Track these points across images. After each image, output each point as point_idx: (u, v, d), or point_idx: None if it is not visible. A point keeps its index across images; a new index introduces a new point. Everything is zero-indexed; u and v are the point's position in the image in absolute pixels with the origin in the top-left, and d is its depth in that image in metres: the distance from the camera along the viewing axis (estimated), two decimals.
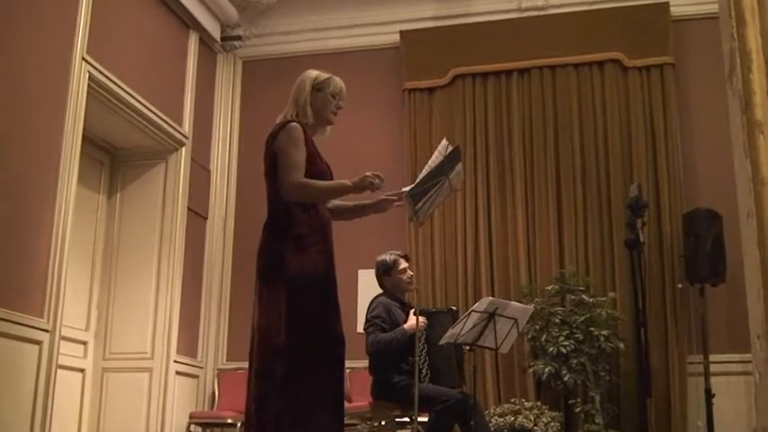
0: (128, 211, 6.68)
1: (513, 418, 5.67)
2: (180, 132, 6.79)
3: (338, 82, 3.59)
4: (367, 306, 4.92)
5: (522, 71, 7.02)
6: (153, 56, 6.52)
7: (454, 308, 5.18)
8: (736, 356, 6.00)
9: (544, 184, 6.71)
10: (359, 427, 5.16)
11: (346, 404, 3.69)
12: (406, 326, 4.66)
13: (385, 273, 4.94)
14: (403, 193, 3.64)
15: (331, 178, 3.51)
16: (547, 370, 5.83)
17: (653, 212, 6.40)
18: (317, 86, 3.54)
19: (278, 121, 3.52)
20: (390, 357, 4.65)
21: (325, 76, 3.58)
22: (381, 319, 4.71)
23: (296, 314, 3.25)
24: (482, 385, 6.32)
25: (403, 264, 4.93)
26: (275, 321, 3.25)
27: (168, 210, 6.67)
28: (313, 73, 3.59)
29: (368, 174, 3.31)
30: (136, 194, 6.73)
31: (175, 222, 6.63)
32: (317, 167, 3.43)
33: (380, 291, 5.00)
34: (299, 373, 3.20)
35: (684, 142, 6.64)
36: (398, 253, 4.99)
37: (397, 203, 3.64)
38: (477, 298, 6.14)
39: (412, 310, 4.75)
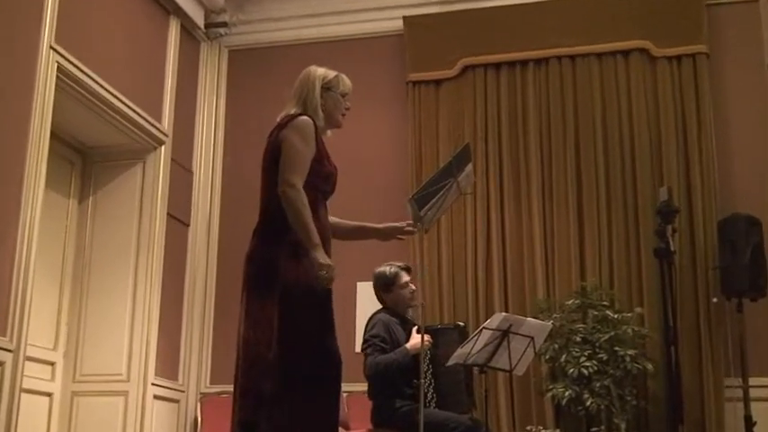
0: (101, 217, 6.67)
1: None
2: (159, 129, 6.78)
3: (347, 80, 3.69)
4: (365, 323, 4.90)
5: (538, 61, 7.01)
6: (129, 44, 6.52)
7: (461, 324, 5.14)
8: None
9: (563, 186, 6.70)
10: None
11: None
12: (408, 345, 4.64)
13: (384, 288, 4.93)
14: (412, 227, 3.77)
15: (335, 181, 3.59)
16: (567, 394, 5.81)
17: (685, 218, 6.38)
18: (326, 86, 3.62)
19: (278, 119, 3.56)
20: (392, 380, 4.64)
21: (333, 73, 3.66)
22: (380, 338, 4.69)
23: (290, 328, 3.25)
24: (495, 411, 6.30)
25: (405, 277, 4.92)
26: (266, 334, 3.25)
27: (146, 215, 6.65)
28: (319, 70, 3.65)
29: (326, 272, 3.26)
30: (110, 198, 6.72)
31: (154, 229, 6.62)
32: (325, 168, 3.51)
33: (380, 306, 4.99)
34: (291, 394, 3.20)
35: (720, 140, 6.61)
36: (399, 265, 4.96)
37: (401, 237, 3.81)
38: (489, 314, 6.13)
39: (415, 328, 4.74)
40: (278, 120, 3.57)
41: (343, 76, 3.67)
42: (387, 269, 4.93)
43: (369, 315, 4.98)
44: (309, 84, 3.59)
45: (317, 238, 3.28)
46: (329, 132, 3.69)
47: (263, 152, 3.55)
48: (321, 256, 3.25)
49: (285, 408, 3.20)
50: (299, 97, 3.59)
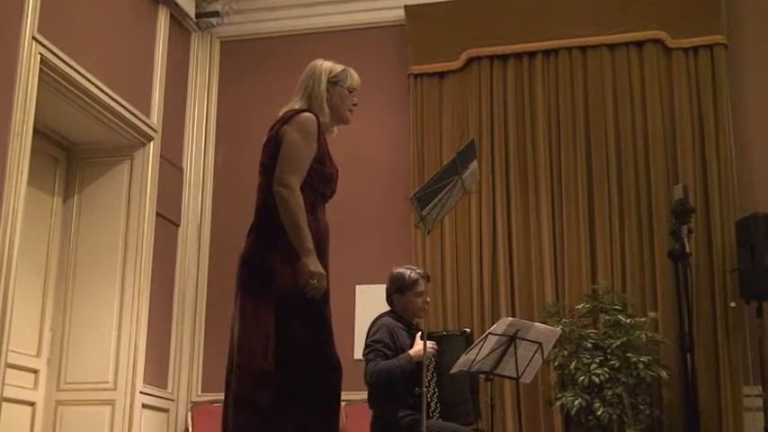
0: (87, 217, 6.67)
1: None
2: (147, 125, 6.78)
3: (355, 75, 3.73)
4: (367, 327, 4.90)
5: (547, 53, 7.01)
6: (116, 35, 6.51)
7: (468, 330, 5.16)
8: None
9: (573, 184, 6.70)
10: None
11: None
12: (411, 351, 4.65)
13: (399, 290, 4.92)
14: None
15: (335, 183, 3.61)
16: (577, 403, 5.80)
17: (701, 218, 6.38)
18: (333, 80, 3.65)
19: (281, 113, 3.57)
20: (393, 388, 4.64)
21: (340, 67, 3.71)
22: (383, 344, 4.70)
23: (287, 334, 3.26)
24: (501, 420, 6.31)
25: (422, 286, 4.92)
26: (261, 341, 3.25)
27: (134, 215, 6.66)
28: (326, 64, 3.69)
29: (316, 281, 3.27)
30: (96, 197, 6.72)
31: (142, 230, 6.62)
32: (326, 170, 3.52)
33: (381, 310, 4.98)
34: (287, 404, 3.21)
35: (738, 136, 6.61)
36: (421, 272, 4.97)
37: None
38: (495, 318, 6.13)
39: (419, 334, 4.74)
40: (280, 114, 3.58)
41: (351, 71, 3.71)
42: (408, 272, 4.92)
43: (368, 319, 4.98)
44: (315, 77, 3.61)
45: (309, 243, 3.28)
46: (336, 130, 3.72)
47: (260, 147, 3.56)
48: (312, 263, 3.25)
49: (281, 420, 3.20)
50: (303, 91, 3.61)
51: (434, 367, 4.75)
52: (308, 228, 3.35)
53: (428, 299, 5.01)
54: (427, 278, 5.03)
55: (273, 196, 3.37)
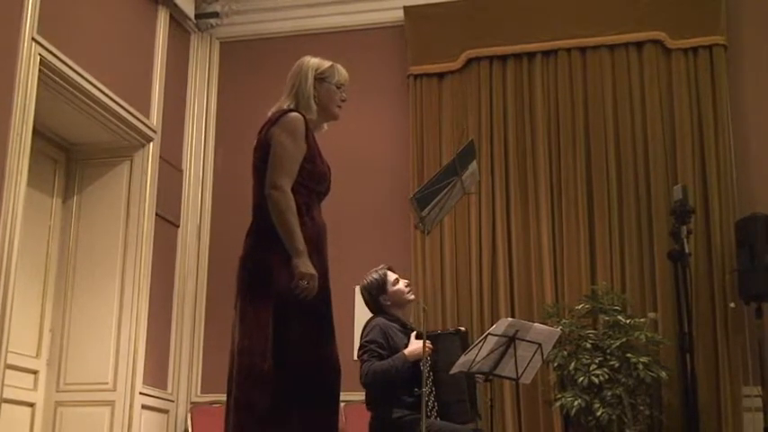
0: (86, 218, 6.67)
1: None
2: (147, 125, 6.79)
3: (342, 70, 3.71)
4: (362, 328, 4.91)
5: (547, 53, 7.01)
6: (115, 36, 6.52)
7: (462, 329, 5.13)
8: None
9: (573, 185, 6.70)
10: None
11: None
12: (406, 351, 4.64)
13: (379, 292, 4.93)
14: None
15: (329, 181, 3.61)
16: (576, 403, 5.81)
17: (701, 219, 6.38)
18: (320, 76, 3.64)
19: (269, 114, 3.56)
20: (390, 389, 4.64)
21: (327, 63, 3.69)
22: (377, 344, 4.70)
23: (285, 336, 3.27)
24: (501, 421, 6.31)
25: (392, 274, 4.95)
26: (261, 343, 3.26)
27: (133, 216, 6.66)
28: (313, 60, 3.68)
29: (307, 282, 3.27)
30: (96, 198, 6.72)
31: (142, 231, 6.62)
32: (317, 168, 3.51)
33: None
34: (286, 405, 3.21)
35: (738, 137, 6.62)
36: (381, 267, 5.00)
37: None
38: (494, 319, 6.13)
39: (413, 333, 4.75)
40: (269, 115, 3.58)
41: (339, 66, 3.70)
42: (374, 275, 4.97)
43: (367, 320, 4.98)
44: (302, 75, 3.61)
45: (300, 245, 3.28)
46: (326, 126, 3.71)
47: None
48: (303, 265, 3.25)
49: (280, 421, 3.20)
50: (290, 89, 3.61)
51: (430, 366, 4.74)
52: (305, 228, 3.35)
53: (406, 280, 5.03)
54: (389, 268, 5.04)
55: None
